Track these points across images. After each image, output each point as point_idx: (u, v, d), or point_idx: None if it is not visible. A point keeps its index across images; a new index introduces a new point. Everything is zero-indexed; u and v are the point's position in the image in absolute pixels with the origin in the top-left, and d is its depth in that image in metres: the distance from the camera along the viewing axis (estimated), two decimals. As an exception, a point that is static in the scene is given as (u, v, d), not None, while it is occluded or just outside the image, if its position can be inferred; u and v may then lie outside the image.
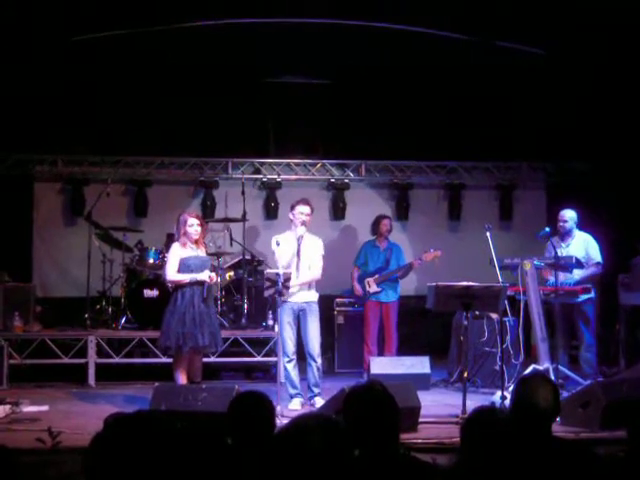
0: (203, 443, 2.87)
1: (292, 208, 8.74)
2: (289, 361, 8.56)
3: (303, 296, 8.60)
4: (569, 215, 9.54)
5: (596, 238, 9.62)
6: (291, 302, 8.55)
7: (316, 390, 8.51)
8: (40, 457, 5.24)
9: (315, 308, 8.67)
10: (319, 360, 8.56)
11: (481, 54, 11.02)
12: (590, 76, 11.07)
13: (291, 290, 8.45)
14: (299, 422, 2.85)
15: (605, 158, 12.11)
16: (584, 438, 6.45)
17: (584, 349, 9.43)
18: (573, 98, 11.60)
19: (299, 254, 8.55)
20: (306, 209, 8.65)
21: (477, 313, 9.54)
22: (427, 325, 11.96)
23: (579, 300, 9.31)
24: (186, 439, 2.89)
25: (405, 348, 10.69)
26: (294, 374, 8.58)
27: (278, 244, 8.55)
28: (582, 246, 9.49)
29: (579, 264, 9.16)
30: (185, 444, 2.86)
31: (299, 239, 8.54)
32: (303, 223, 8.59)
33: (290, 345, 8.57)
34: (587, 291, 9.30)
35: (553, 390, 4.09)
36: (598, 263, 9.52)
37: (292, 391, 8.59)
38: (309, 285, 8.66)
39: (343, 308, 11.33)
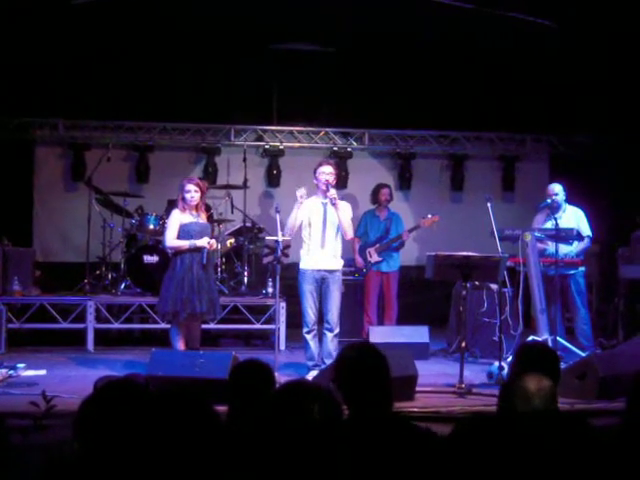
0: (191, 409, 2.86)
1: (314, 172, 8.37)
2: (309, 331, 8.24)
3: (327, 263, 8.29)
4: (559, 189, 9.50)
5: (585, 212, 9.61)
6: (313, 270, 8.26)
7: (328, 362, 8.03)
8: (34, 421, 5.24)
9: (339, 277, 8.39)
10: (337, 329, 8.28)
11: (487, 24, 10.92)
12: (596, 48, 10.97)
13: (315, 256, 8.27)
14: (285, 387, 2.85)
15: (608, 131, 12.05)
16: (579, 409, 6.45)
17: (580, 321, 9.45)
18: (579, 70, 11.50)
19: (325, 219, 8.30)
20: (328, 169, 8.31)
21: (477, 283, 9.52)
22: (427, 295, 11.95)
23: (572, 272, 9.32)
24: (174, 404, 2.89)
25: (405, 318, 10.67)
26: (313, 345, 8.27)
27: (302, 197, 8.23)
28: (574, 219, 9.46)
29: (579, 236, 9.16)
30: (173, 409, 2.86)
31: (329, 200, 8.18)
32: (328, 182, 8.23)
33: (311, 315, 8.24)
34: (585, 263, 9.34)
35: (553, 359, 4.09)
36: (589, 236, 9.52)
37: (310, 363, 8.31)
38: (334, 252, 8.34)
39: (343, 277, 11.21)
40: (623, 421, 3.78)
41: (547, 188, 9.61)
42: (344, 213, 8.30)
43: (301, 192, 8.26)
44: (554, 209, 9.40)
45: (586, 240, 9.46)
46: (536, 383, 3.47)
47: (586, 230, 9.50)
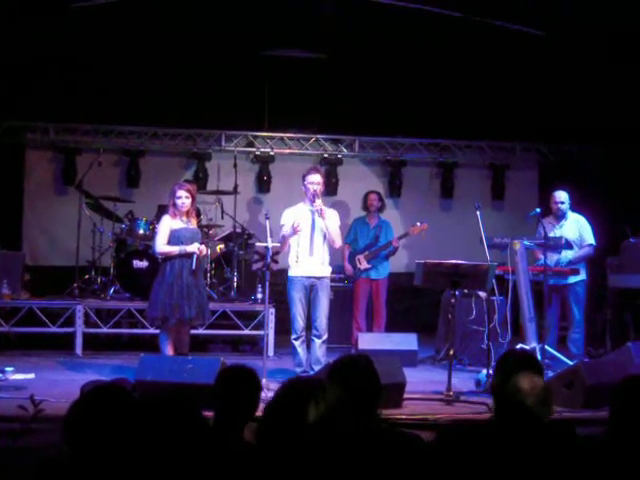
0: (179, 414, 2.88)
1: (303, 179, 8.42)
2: (297, 338, 8.30)
3: (316, 270, 8.34)
4: (565, 197, 9.49)
5: (588, 220, 9.61)
6: (302, 277, 8.31)
7: (316, 368, 8.14)
8: (22, 425, 5.24)
9: (327, 284, 8.44)
10: (325, 335, 8.34)
11: (478, 32, 10.98)
12: (586, 58, 11.03)
13: (304, 263, 8.31)
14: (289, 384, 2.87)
15: (598, 140, 12.11)
16: (566, 418, 6.47)
17: (573, 330, 9.41)
18: (569, 79, 11.57)
19: (313, 227, 8.34)
20: (317, 177, 8.35)
21: (465, 291, 9.53)
22: (416, 302, 11.97)
23: (571, 281, 9.31)
24: (163, 409, 2.91)
25: (394, 325, 10.66)
26: (301, 352, 8.32)
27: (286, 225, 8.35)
28: (575, 227, 9.46)
29: (568, 245, 9.16)
30: (161, 414, 2.88)
31: (316, 212, 8.24)
32: (315, 193, 8.27)
33: (300, 322, 8.30)
34: (576, 272, 9.29)
35: (535, 367, 4.11)
36: (591, 245, 9.49)
37: (298, 369, 8.35)
38: (323, 259, 8.39)
39: (333, 284, 11.22)
40: (607, 430, 3.81)
41: (553, 195, 9.56)
42: (331, 222, 8.36)
43: (286, 225, 8.35)
44: (558, 217, 9.45)
45: (585, 249, 9.47)
46: (529, 382, 3.49)
47: (588, 238, 9.46)
